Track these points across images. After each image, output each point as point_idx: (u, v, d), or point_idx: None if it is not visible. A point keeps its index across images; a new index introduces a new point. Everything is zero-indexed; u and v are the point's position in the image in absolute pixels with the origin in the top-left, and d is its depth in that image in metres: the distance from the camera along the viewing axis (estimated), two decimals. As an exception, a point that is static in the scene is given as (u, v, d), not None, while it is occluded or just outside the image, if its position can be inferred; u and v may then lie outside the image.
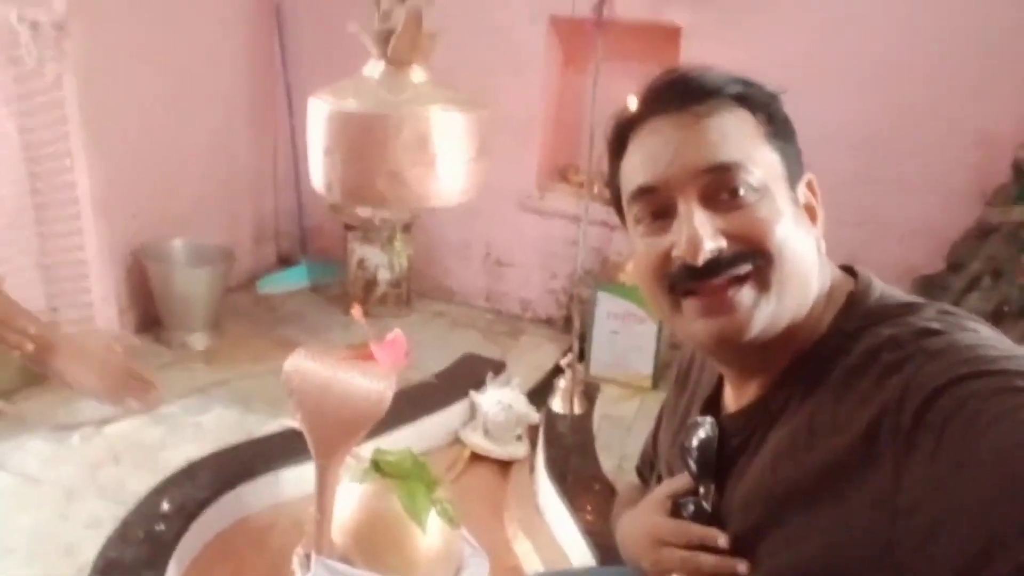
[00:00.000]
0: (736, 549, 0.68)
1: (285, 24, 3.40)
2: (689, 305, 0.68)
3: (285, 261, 3.73)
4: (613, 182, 0.77)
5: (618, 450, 2.17)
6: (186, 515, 1.63)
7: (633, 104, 0.74)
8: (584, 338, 2.75)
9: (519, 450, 2.22)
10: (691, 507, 0.75)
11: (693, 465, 0.75)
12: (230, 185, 3.36)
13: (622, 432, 2.31)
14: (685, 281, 0.67)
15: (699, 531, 0.72)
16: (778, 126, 0.70)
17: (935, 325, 0.62)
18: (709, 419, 0.76)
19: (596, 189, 3.19)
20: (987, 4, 2.42)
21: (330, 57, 3.05)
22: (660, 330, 2.64)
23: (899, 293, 0.70)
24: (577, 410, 2.21)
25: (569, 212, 3.16)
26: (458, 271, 3.48)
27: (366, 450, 1.42)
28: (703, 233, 0.65)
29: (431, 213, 3.37)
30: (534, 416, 2.24)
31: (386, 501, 1.30)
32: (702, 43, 2.62)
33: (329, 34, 3.22)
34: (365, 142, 1.05)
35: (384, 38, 1.12)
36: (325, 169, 1.11)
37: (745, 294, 0.65)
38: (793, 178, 0.70)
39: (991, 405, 0.52)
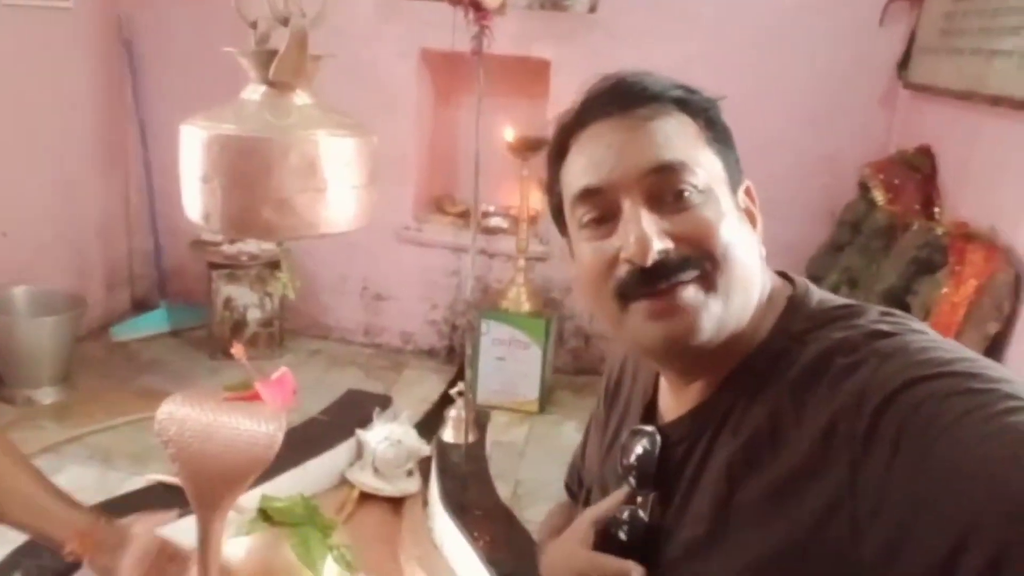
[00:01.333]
0: (689, 557, 0.67)
1: (136, 59, 3.21)
2: (637, 308, 0.67)
3: (142, 306, 3.48)
4: (553, 188, 0.75)
5: (512, 476, 2.16)
6: (46, 587, 1.44)
7: (573, 110, 0.72)
8: (470, 366, 2.73)
9: (411, 485, 2.14)
10: (626, 515, 0.73)
11: (632, 474, 0.74)
12: (78, 228, 3.11)
13: (515, 458, 2.30)
14: (633, 285, 0.66)
15: (615, 565, 0.70)
16: (718, 131, 0.71)
17: (885, 327, 0.62)
18: (651, 428, 0.74)
19: (477, 218, 3.21)
20: (825, 42, 2.67)
21: (187, 90, 2.91)
22: (545, 354, 2.66)
23: (836, 297, 0.70)
24: (469, 439, 2.17)
25: (447, 242, 3.15)
26: (335, 307, 3.38)
27: (248, 499, 1.33)
28: (651, 233, 0.64)
29: (304, 247, 3.26)
30: (425, 449, 2.18)
31: (278, 551, 1.23)
32: (570, 76, 2.70)
33: (186, 66, 3.07)
34: (249, 168, 0.98)
35: (264, 60, 1.06)
36: (203, 198, 1.02)
37: (693, 295, 0.65)
38: (734, 183, 0.71)
39: (948, 407, 0.53)
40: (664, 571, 0.69)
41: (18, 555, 1.54)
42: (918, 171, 2.24)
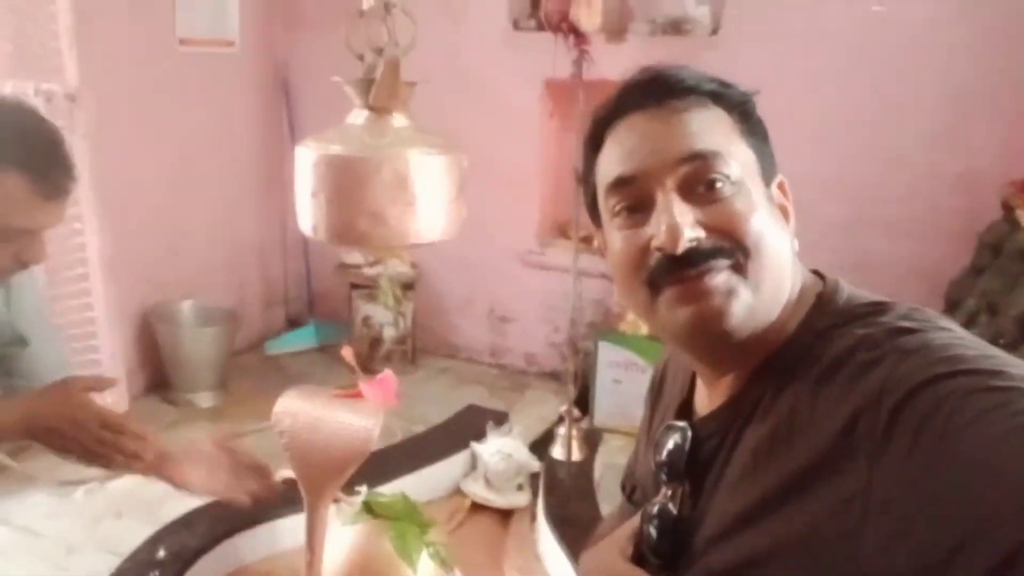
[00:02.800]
0: (713, 548, 0.68)
1: (292, 95, 3.54)
2: (666, 295, 0.67)
3: (294, 323, 3.79)
4: (588, 179, 0.77)
5: (621, 498, 2.15)
6: (182, 563, 1.62)
7: (609, 102, 0.74)
8: (587, 388, 2.76)
9: (520, 499, 2.20)
10: (656, 508, 0.74)
11: (664, 469, 0.75)
12: (238, 251, 3.44)
13: (625, 480, 2.29)
14: (664, 273, 0.66)
15: None
16: (752, 125, 0.71)
17: (909, 324, 0.61)
18: (682, 423, 0.75)
19: (595, 243, 3.25)
20: (963, 55, 2.51)
21: (337, 122, 3.17)
22: (661, 378, 2.64)
23: (867, 294, 0.69)
24: (577, 456, 2.20)
25: (569, 266, 3.21)
26: (462, 327, 3.52)
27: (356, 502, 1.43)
28: (683, 222, 0.64)
29: (434, 270, 3.43)
30: (535, 465, 2.23)
31: (378, 543, 1.30)
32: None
33: (334, 100, 3.35)
34: (347, 183, 1.10)
35: (366, 88, 1.18)
36: (312, 212, 1.16)
37: (723, 280, 0.65)
38: (767, 177, 0.71)
39: (969, 404, 0.52)
40: (692, 562, 0.70)
41: (162, 533, 1.74)
42: (1071, 189, 2.05)
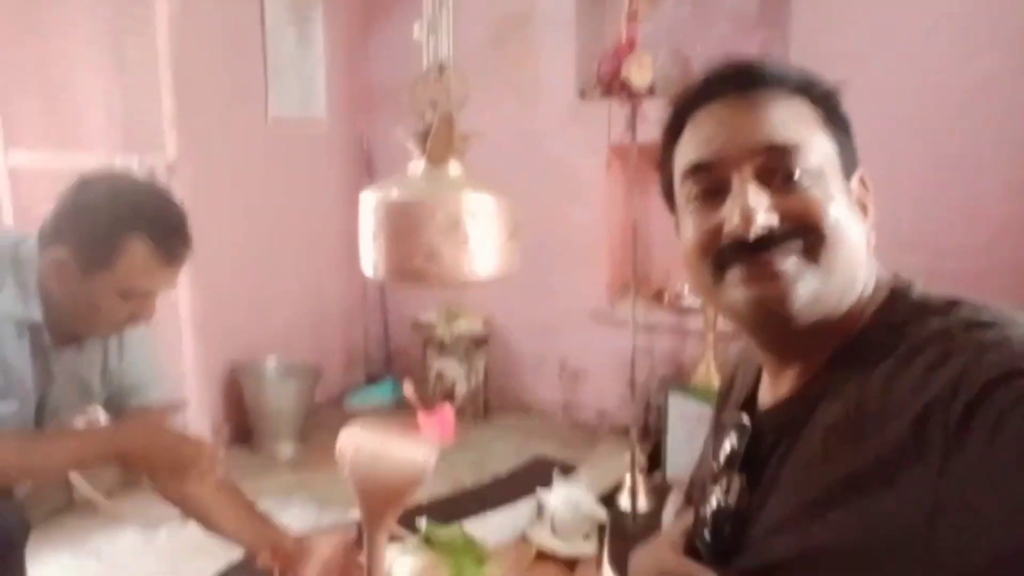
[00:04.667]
0: (772, 539, 0.66)
1: (374, 167, 3.76)
2: (732, 273, 0.66)
3: (373, 380, 3.92)
4: (666, 167, 0.76)
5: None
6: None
7: (692, 89, 0.73)
8: (659, 443, 2.73)
9: (586, 548, 2.19)
10: (713, 499, 0.73)
11: (723, 460, 0.74)
12: (321, 312, 3.62)
13: (695, 534, 2.25)
14: (732, 254, 0.66)
15: (698, 571, 0.71)
16: (836, 118, 0.70)
17: (986, 318, 0.60)
18: (743, 415, 0.74)
19: (665, 299, 3.27)
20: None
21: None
22: (732, 431, 2.60)
23: (940, 293, 0.68)
24: (645, 507, 2.18)
25: (640, 321, 3.22)
26: (534, 384, 3.56)
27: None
28: (757, 207, 0.64)
29: (506, 329, 3.51)
30: (601, 514, 2.22)
31: (436, 574, 1.33)
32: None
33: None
34: (404, 225, 1.19)
35: (423, 140, 1.28)
36: (372, 252, 1.25)
37: (791, 263, 0.64)
38: (847, 170, 0.70)
39: None
40: (747, 554, 0.69)
41: (231, 571, 1.83)
42: None
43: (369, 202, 1.27)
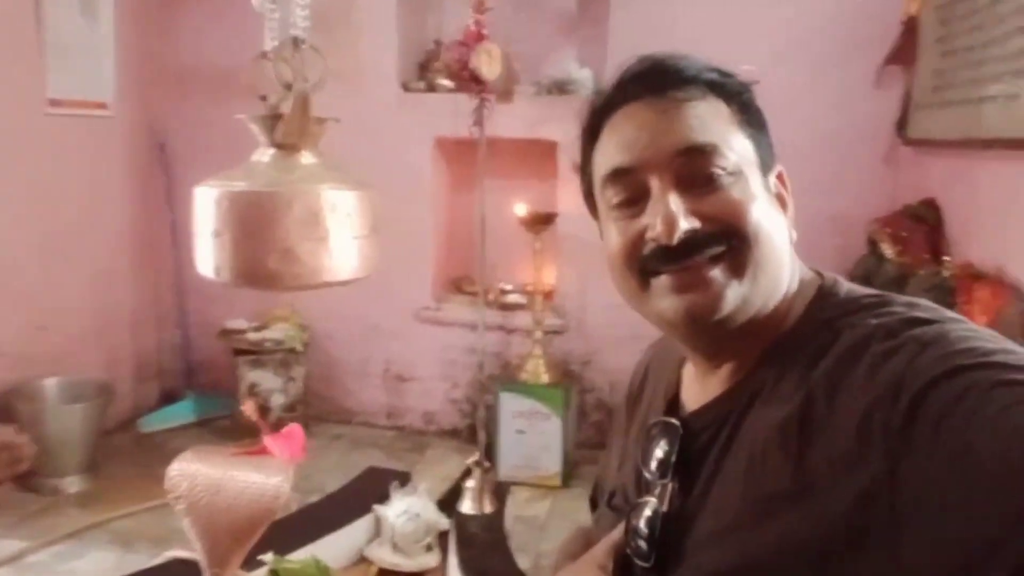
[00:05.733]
0: (712, 545, 0.64)
1: (169, 159, 3.39)
2: (660, 282, 0.66)
3: (169, 397, 3.54)
4: (585, 170, 0.75)
5: (533, 550, 2.11)
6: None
7: (606, 91, 0.72)
8: (490, 442, 2.71)
9: (430, 560, 2.11)
10: (644, 509, 0.70)
11: (653, 466, 0.71)
12: (110, 322, 3.21)
13: (536, 532, 2.26)
14: (658, 261, 0.65)
15: None
16: (751, 115, 0.71)
17: (923, 315, 0.60)
18: (671, 419, 0.72)
19: (492, 296, 3.26)
20: (824, 109, 2.76)
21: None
22: (565, 425, 2.64)
23: (865, 288, 0.68)
24: (488, 509, 2.14)
25: (466, 320, 3.19)
26: (357, 390, 3.40)
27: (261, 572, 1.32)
28: (678, 212, 0.64)
29: (327, 332, 3.32)
30: (444, 523, 2.15)
31: (291, 611, 1.20)
32: (577, 155, 2.81)
33: (214, 165, 3.23)
34: (256, 219, 1.04)
35: (271, 124, 1.14)
36: (214, 253, 1.08)
37: (718, 271, 0.64)
38: (765, 167, 0.70)
39: (990, 398, 0.51)
40: (687, 563, 0.66)
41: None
42: (925, 222, 2.26)
43: (208, 195, 1.09)
